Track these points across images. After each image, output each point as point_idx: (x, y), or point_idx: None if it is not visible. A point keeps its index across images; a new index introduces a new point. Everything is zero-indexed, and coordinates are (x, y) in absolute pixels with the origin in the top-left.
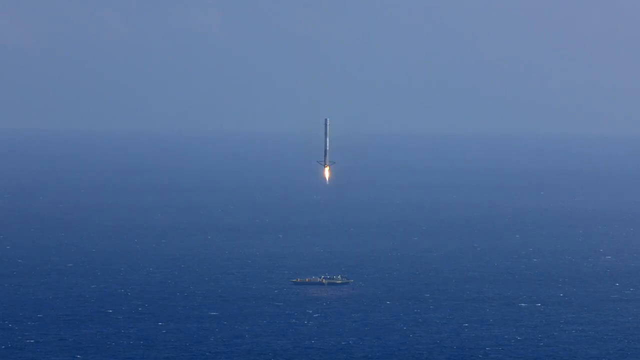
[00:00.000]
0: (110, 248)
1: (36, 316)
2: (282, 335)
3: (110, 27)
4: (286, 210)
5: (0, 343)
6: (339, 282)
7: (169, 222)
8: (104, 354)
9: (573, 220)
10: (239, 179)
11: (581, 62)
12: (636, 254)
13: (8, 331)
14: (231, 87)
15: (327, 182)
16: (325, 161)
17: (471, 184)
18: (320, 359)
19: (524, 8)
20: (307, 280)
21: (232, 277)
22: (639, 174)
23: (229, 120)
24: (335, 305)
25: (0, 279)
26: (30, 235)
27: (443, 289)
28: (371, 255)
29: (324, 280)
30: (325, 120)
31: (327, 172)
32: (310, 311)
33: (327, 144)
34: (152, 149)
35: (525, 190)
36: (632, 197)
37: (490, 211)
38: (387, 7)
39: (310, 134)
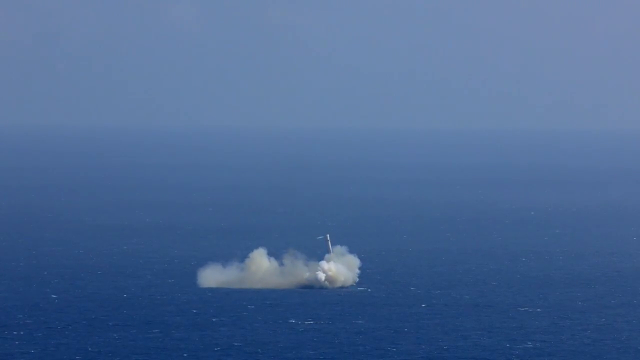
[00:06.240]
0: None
1: None
2: (281, 339)
3: (91, 21)
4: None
5: None
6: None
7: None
8: None
9: (582, 220)
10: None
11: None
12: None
13: None
14: (210, 81)
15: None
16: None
17: (474, 182)
18: None
19: (521, 7)
20: None
21: None
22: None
23: (206, 114)
24: (336, 309)
25: None
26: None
27: (447, 292)
28: (375, 256)
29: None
30: (326, 236)
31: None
32: (311, 313)
33: (331, 257)
34: (128, 143)
35: (528, 189)
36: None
37: (494, 211)
38: None
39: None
